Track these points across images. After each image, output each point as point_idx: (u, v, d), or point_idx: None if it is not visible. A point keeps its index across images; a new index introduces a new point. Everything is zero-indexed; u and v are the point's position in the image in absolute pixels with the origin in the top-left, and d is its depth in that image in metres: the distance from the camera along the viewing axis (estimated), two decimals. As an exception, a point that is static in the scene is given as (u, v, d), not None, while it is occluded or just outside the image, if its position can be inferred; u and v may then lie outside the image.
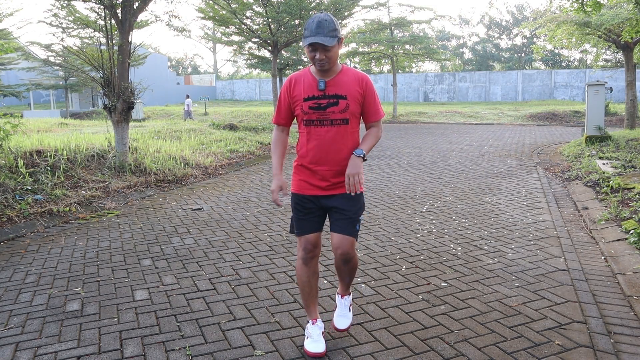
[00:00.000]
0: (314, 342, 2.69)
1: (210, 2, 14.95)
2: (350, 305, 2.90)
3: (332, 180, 2.62)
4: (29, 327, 3.05)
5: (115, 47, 7.68)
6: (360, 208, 2.67)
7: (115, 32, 7.83)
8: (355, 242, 2.68)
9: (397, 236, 4.81)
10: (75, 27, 8.55)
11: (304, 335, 2.87)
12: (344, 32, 25.61)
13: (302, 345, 2.76)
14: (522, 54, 47.78)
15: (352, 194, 2.53)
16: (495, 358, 2.63)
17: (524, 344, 2.77)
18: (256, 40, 16.79)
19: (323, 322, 2.86)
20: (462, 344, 2.78)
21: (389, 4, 21.81)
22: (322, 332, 2.75)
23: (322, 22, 2.43)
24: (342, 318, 2.85)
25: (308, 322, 2.78)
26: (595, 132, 10.73)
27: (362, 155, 2.55)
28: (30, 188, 6.10)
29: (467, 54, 52.19)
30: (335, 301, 3.06)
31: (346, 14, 16.03)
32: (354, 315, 3.11)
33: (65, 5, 8.18)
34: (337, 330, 2.83)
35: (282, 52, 21.06)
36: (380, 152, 11.26)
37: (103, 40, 7.90)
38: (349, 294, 2.90)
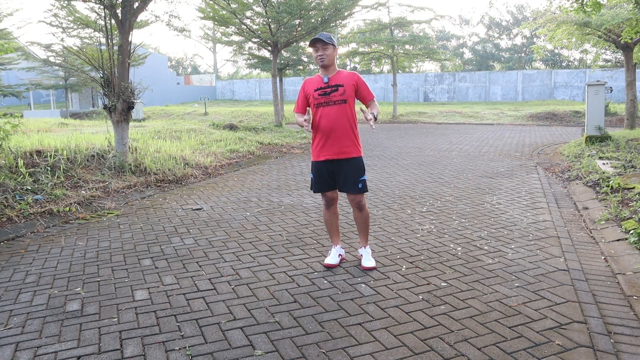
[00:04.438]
0: (330, 257, 4.01)
1: (210, 2, 14.95)
2: (371, 253, 4.08)
3: (339, 144, 3.74)
4: (29, 327, 3.05)
5: (115, 47, 7.68)
6: (359, 173, 3.84)
7: (115, 32, 7.83)
8: (364, 195, 3.95)
9: (397, 236, 4.81)
10: (75, 27, 8.54)
11: (304, 335, 2.89)
12: (344, 32, 25.70)
13: (302, 345, 2.78)
14: (522, 54, 47.75)
15: (373, 126, 3.69)
16: (495, 358, 2.63)
17: (524, 344, 2.77)
18: (256, 40, 16.80)
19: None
20: (462, 344, 2.78)
21: (389, 4, 21.80)
22: (339, 255, 4.03)
23: (322, 33, 3.75)
24: (369, 261, 3.95)
25: (331, 246, 4.10)
26: (595, 132, 10.73)
27: (374, 115, 3.76)
28: (30, 188, 6.10)
29: (467, 54, 52.15)
30: (360, 252, 4.04)
31: (346, 14, 16.02)
32: (353, 315, 3.13)
33: (65, 5, 8.18)
34: (365, 268, 3.89)
35: (282, 52, 21.04)
36: (380, 152, 11.26)
37: (103, 40, 7.89)
38: (368, 245, 4.05)
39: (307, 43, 21.62)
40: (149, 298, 3.45)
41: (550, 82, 32.67)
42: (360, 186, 3.84)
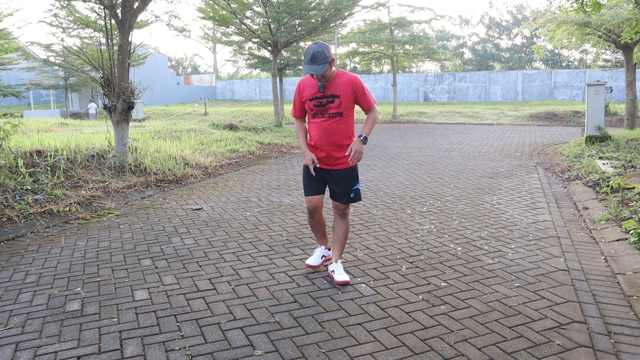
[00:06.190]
0: (312, 257, 3.89)
1: (211, 2, 14.95)
2: (342, 267, 3.75)
3: (332, 157, 3.55)
4: (29, 327, 3.05)
5: (115, 47, 7.68)
6: (352, 182, 3.64)
7: (115, 32, 7.83)
8: (349, 206, 3.72)
9: (397, 236, 4.81)
10: (75, 27, 8.54)
11: (304, 335, 2.90)
12: (344, 32, 25.68)
13: (302, 345, 2.78)
14: (522, 54, 47.75)
15: (352, 163, 3.52)
16: (495, 358, 2.63)
17: (524, 344, 2.77)
18: (256, 40, 16.80)
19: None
20: (462, 344, 2.78)
21: (389, 4, 21.80)
22: (322, 256, 3.86)
23: (315, 54, 3.30)
24: (342, 275, 3.63)
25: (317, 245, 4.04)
26: (595, 132, 10.73)
27: (362, 138, 3.51)
28: (30, 188, 6.10)
29: (467, 54, 52.16)
30: (331, 269, 3.72)
31: (346, 14, 16.01)
32: (353, 315, 3.14)
33: (65, 5, 8.18)
34: (339, 283, 3.59)
35: (282, 52, 21.04)
36: (380, 152, 11.26)
37: (103, 40, 7.89)
38: (341, 258, 3.77)
39: (307, 43, 21.56)
40: (149, 298, 3.45)
41: (550, 82, 32.68)
42: (352, 195, 3.64)
